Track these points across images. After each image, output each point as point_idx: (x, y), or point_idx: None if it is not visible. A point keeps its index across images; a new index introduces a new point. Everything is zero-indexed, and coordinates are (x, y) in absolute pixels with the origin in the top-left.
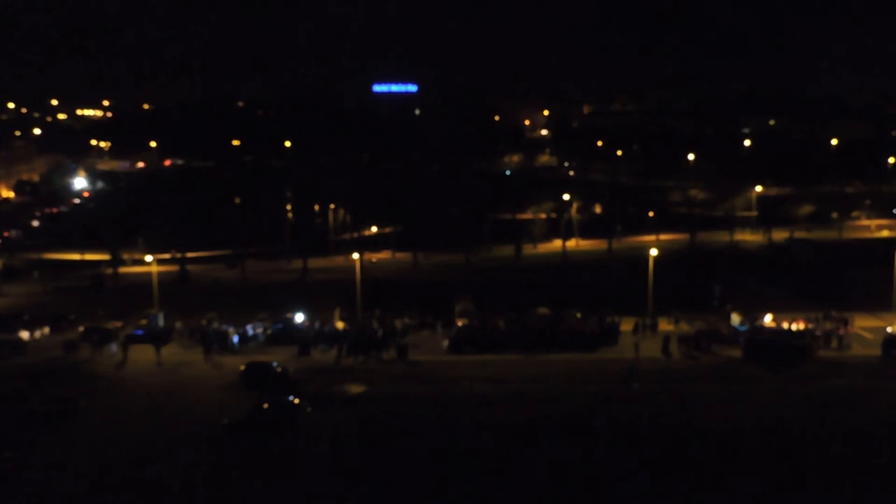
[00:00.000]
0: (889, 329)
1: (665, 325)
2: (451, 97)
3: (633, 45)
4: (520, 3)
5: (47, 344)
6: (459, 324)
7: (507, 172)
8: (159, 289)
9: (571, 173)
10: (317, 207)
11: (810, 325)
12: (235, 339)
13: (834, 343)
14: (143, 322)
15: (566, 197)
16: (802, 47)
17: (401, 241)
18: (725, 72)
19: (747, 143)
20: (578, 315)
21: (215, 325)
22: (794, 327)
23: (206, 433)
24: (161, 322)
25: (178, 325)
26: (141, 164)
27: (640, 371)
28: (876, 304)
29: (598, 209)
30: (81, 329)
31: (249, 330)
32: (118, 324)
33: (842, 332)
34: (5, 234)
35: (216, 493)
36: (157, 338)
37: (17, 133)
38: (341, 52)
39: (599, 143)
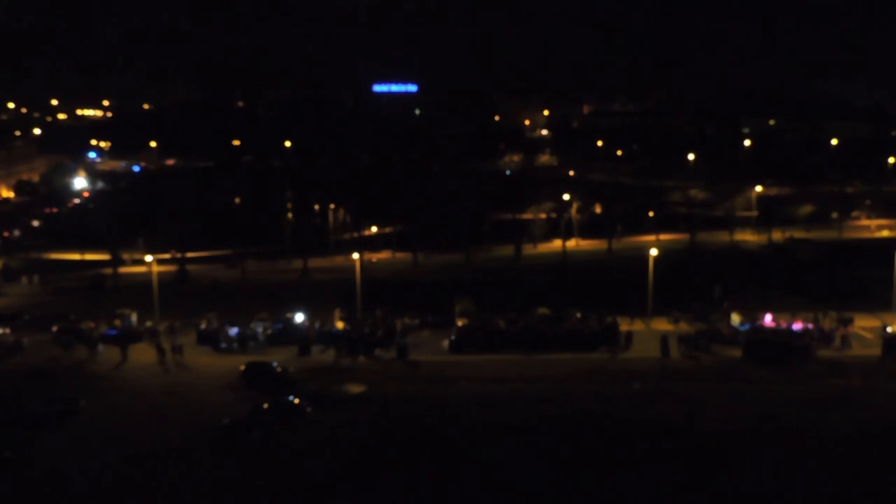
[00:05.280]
0: (889, 329)
1: (662, 325)
2: (451, 97)
3: (633, 45)
4: (520, 3)
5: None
6: (459, 324)
7: (507, 172)
8: (159, 289)
9: (571, 173)
10: (317, 207)
11: (810, 325)
12: (233, 332)
13: (836, 342)
14: (117, 322)
15: (566, 197)
16: (803, 47)
17: (401, 241)
18: (725, 72)
19: (747, 143)
20: (578, 315)
21: (214, 324)
22: (794, 327)
23: (206, 433)
24: (134, 322)
25: (149, 324)
26: (141, 164)
27: (640, 371)
28: (876, 304)
29: (598, 209)
30: (55, 329)
31: (250, 330)
32: (91, 324)
33: (842, 331)
34: (5, 234)
35: (216, 493)
36: (128, 338)
37: (17, 133)
38: (341, 51)
39: (599, 143)
